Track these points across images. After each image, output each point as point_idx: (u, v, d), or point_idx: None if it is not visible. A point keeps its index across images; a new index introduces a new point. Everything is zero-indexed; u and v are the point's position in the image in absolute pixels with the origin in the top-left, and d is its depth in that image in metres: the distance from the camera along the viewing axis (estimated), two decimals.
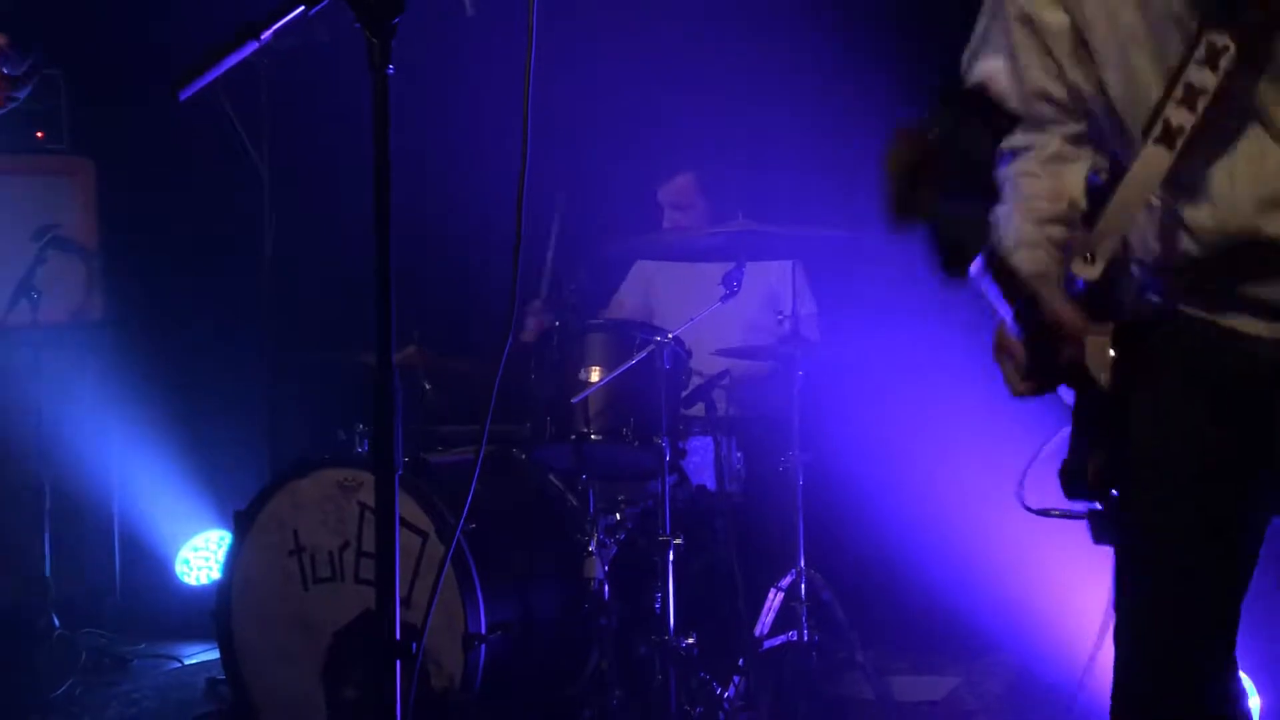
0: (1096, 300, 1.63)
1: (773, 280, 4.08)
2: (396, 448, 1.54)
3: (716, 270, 3.43)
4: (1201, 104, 1.49)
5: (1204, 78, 1.49)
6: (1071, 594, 3.36)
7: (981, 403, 3.36)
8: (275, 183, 4.21)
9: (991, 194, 1.32)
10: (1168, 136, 1.52)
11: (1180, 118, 1.51)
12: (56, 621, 4.22)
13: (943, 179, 1.26)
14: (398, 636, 1.57)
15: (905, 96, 4.37)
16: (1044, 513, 1.89)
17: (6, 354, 4.37)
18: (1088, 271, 1.58)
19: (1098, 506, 1.67)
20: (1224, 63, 1.48)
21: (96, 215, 4.67)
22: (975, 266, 1.36)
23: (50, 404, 4.37)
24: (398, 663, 1.54)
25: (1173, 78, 1.52)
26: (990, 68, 1.73)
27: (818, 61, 4.15)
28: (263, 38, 1.49)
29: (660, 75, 4.39)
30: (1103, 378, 1.62)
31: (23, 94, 3.02)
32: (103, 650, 4.35)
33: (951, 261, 1.32)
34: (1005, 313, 1.54)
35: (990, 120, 1.31)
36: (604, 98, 4.43)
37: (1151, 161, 1.54)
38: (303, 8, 1.51)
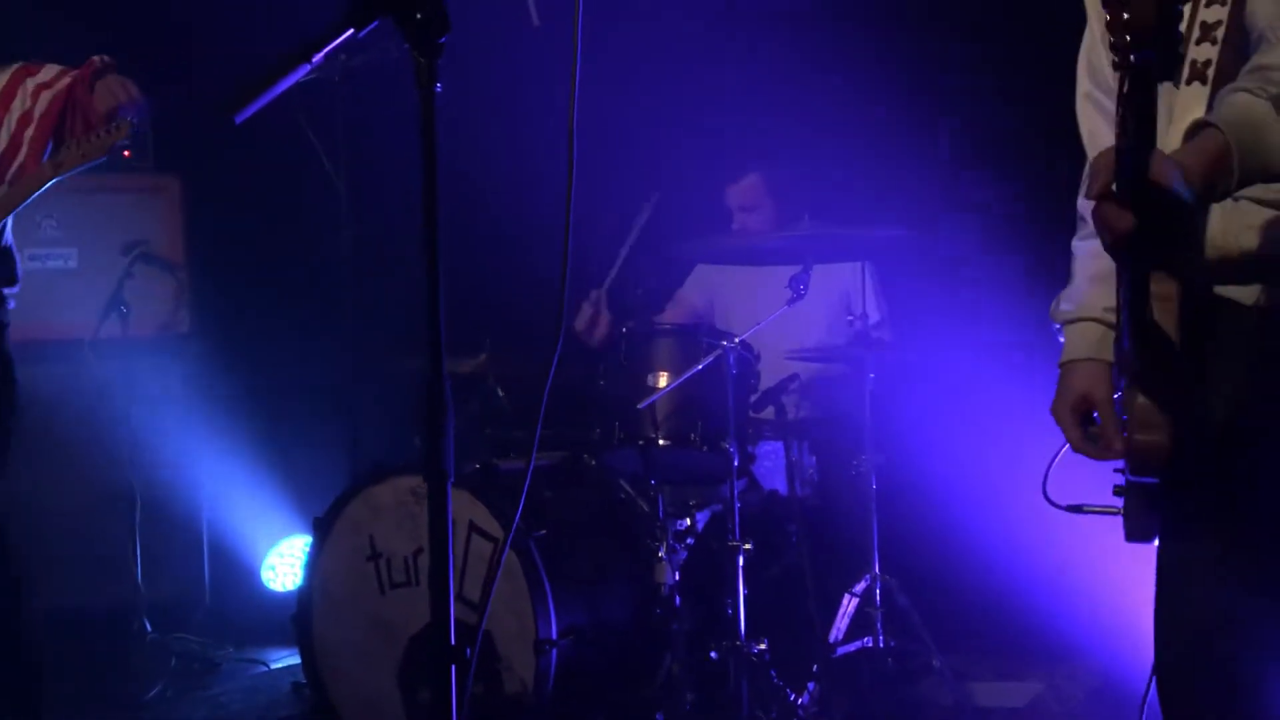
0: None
1: (843, 282, 4.04)
2: (449, 456, 1.56)
3: (784, 273, 3.42)
4: (1219, 34, 1.56)
5: (1215, 13, 1.58)
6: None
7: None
8: (351, 194, 4.30)
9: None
10: (1197, 73, 1.59)
11: (1204, 53, 1.59)
12: (148, 626, 4.36)
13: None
14: (453, 642, 1.59)
15: (971, 97, 4.32)
16: (1076, 509, 1.86)
17: (98, 366, 4.51)
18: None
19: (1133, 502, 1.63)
20: None
21: (182, 231, 4.79)
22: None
23: (140, 415, 4.52)
24: (453, 668, 1.56)
25: (1190, 19, 1.60)
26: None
27: (884, 60, 4.11)
28: (314, 60, 1.53)
29: (727, 75, 4.38)
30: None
31: (123, 144, 3.10)
32: (192, 654, 4.46)
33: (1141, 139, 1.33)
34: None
35: None
36: (671, 98, 4.44)
37: (1191, 101, 1.59)
38: (352, 30, 1.54)
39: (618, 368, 3.40)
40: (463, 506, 3.15)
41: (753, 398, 3.54)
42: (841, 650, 3.58)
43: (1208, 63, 1.60)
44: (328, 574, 3.41)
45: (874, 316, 3.86)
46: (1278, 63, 1.45)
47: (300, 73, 1.54)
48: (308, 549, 3.49)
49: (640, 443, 3.35)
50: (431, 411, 1.56)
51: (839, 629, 3.62)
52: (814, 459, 3.86)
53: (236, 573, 4.93)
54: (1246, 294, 1.63)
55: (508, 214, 4.48)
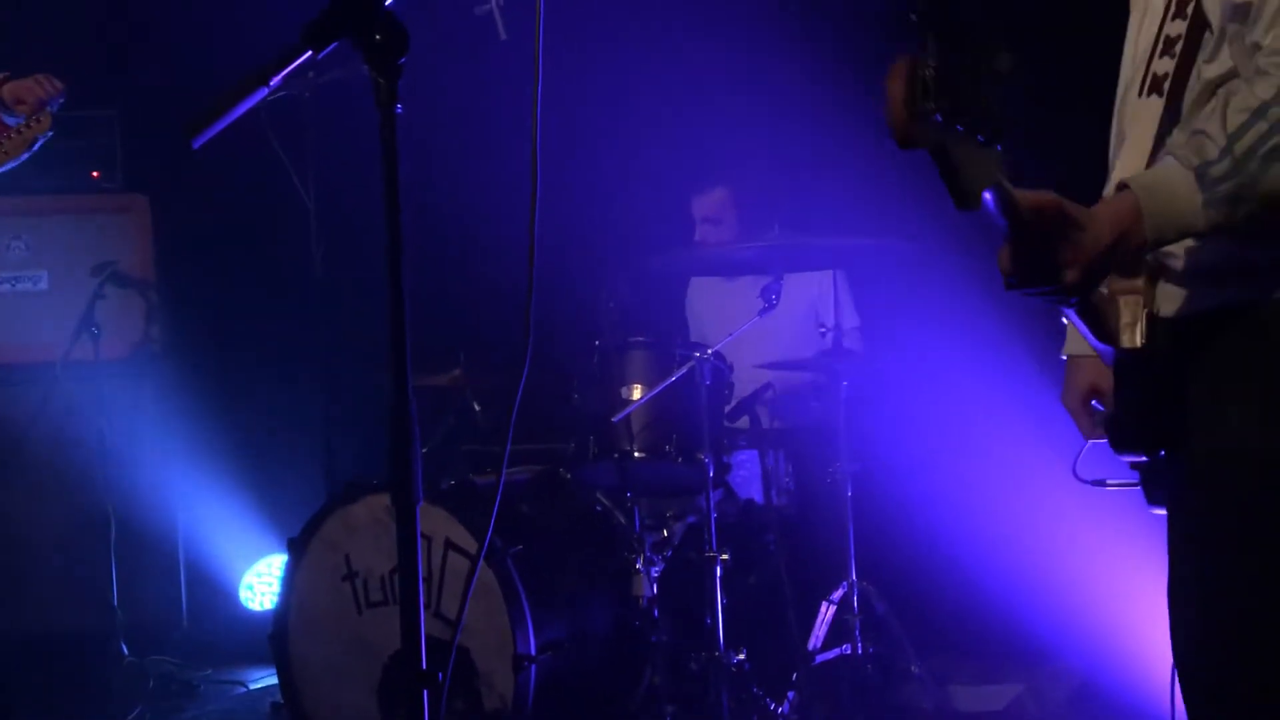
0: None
1: (814, 293, 4.06)
2: (416, 483, 1.55)
3: (755, 284, 3.42)
4: (1178, 49, 1.59)
5: (1177, 27, 1.61)
6: (1133, 597, 3.31)
7: (1030, 407, 3.32)
8: (321, 211, 4.29)
9: (995, 126, 1.31)
10: (1155, 86, 1.62)
11: (1164, 66, 1.62)
12: (125, 649, 4.33)
13: (943, 110, 1.26)
14: (425, 666, 1.58)
15: None
16: (1098, 483, 1.89)
17: (70, 388, 4.49)
18: None
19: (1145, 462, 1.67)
20: (1190, 9, 1.59)
21: (152, 250, 4.77)
22: (988, 201, 1.35)
23: (113, 436, 4.49)
24: (425, 693, 1.55)
25: (1156, 33, 1.64)
26: None
27: (851, 68, 4.13)
28: (271, 84, 1.52)
29: (693, 86, 4.39)
30: (1135, 335, 1.62)
31: (47, 135, 3.15)
32: (170, 676, 4.43)
33: (956, 195, 1.32)
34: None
35: (979, 48, 1.31)
36: (637, 110, 4.44)
37: (1146, 114, 1.62)
38: (310, 52, 1.54)
39: (592, 381, 3.40)
40: (439, 523, 3.14)
41: (727, 408, 3.55)
42: (820, 658, 3.58)
43: (1165, 75, 1.61)
44: (304, 594, 3.39)
45: (846, 324, 3.87)
46: (1214, 132, 1.46)
47: (258, 96, 1.53)
48: (283, 569, 3.47)
49: (616, 455, 3.35)
50: (397, 440, 1.54)
51: (818, 637, 3.63)
52: (790, 468, 3.87)
53: (213, 593, 4.91)
54: (1171, 302, 1.66)
55: (482, 227, 4.47)
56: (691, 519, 3.59)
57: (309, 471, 4.66)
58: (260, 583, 4.95)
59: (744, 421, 3.61)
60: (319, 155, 4.29)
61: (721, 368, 3.45)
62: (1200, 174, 1.45)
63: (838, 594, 3.64)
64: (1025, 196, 1.41)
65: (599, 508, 3.53)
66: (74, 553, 4.51)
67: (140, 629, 4.49)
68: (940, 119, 1.26)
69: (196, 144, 1.52)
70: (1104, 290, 1.60)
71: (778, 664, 3.46)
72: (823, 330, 3.72)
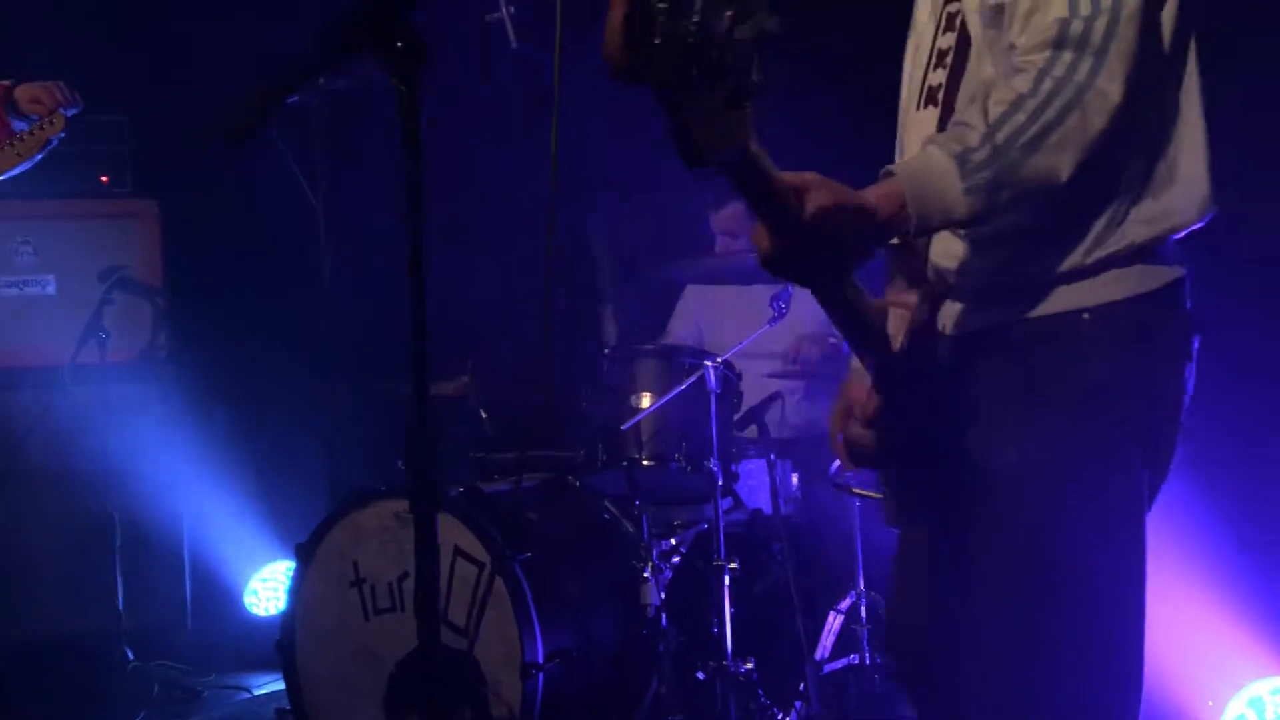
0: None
1: None
2: (436, 487, 1.55)
3: (765, 293, 3.43)
4: (950, 60, 1.65)
5: (947, 40, 1.67)
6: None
7: None
8: (329, 217, 4.30)
9: (739, 84, 1.16)
10: (931, 97, 1.68)
11: (938, 78, 1.67)
12: (130, 654, 4.32)
13: (671, 46, 1.10)
14: (442, 674, 1.58)
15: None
16: (844, 488, 1.92)
17: (77, 392, 4.49)
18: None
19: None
20: (958, 22, 1.66)
21: (161, 255, 4.77)
22: (729, 159, 1.24)
23: (120, 440, 4.48)
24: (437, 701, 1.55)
25: (930, 47, 1.71)
26: None
27: (859, 81, 4.13)
28: (297, 94, 1.53)
29: None
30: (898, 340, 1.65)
31: (59, 137, 3.17)
32: (174, 682, 4.42)
33: (682, 150, 1.18)
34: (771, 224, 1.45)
35: None
36: (650, 118, 4.44)
37: (925, 125, 1.67)
38: (333, 62, 1.54)
39: (601, 389, 3.41)
40: (448, 531, 3.14)
41: (736, 417, 3.55)
42: (828, 668, 3.58)
43: (939, 86, 1.66)
44: (311, 601, 3.39)
45: None
46: (975, 121, 1.48)
47: (287, 102, 1.54)
48: (290, 576, 3.47)
49: (624, 464, 3.35)
50: (415, 444, 1.54)
51: (825, 646, 3.62)
52: (797, 477, 3.87)
53: (218, 598, 4.90)
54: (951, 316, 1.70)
55: (490, 235, 4.48)
56: (699, 527, 3.59)
57: (315, 477, 4.67)
58: (265, 588, 4.94)
59: (752, 430, 3.60)
60: (328, 162, 4.31)
61: (730, 376, 3.46)
62: (961, 160, 1.47)
63: (845, 603, 3.64)
64: (784, 176, 1.37)
65: (607, 516, 3.53)
66: (79, 557, 4.50)
67: (145, 634, 4.49)
68: (667, 55, 1.10)
69: (232, 151, 1.52)
70: (872, 297, 1.61)
71: (785, 673, 3.46)
72: (833, 340, 3.72)
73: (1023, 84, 1.48)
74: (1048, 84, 1.47)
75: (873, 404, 1.65)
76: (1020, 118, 1.46)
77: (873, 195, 1.45)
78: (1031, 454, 1.59)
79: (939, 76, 1.68)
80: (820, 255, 1.41)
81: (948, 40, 1.67)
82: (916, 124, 1.72)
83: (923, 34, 1.76)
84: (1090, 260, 1.58)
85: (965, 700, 1.64)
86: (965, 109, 1.55)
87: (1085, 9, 1.49)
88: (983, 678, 1.62)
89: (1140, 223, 1.59)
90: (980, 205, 1.47)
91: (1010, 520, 1.60)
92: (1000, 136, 1.46)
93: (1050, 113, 1.46)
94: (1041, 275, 1.61)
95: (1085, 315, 1.59)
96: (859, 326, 1.57)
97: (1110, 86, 1.47)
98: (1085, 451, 1.59)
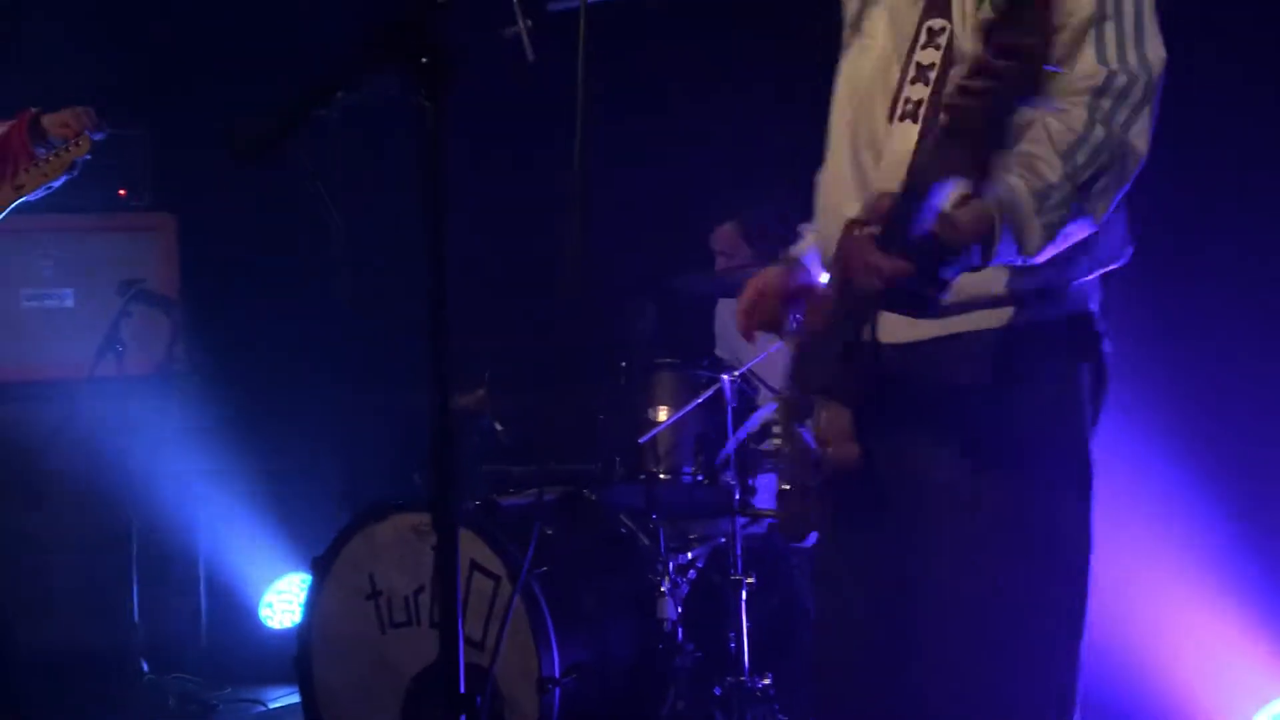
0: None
1: None
2: (456, 501, 1.55)
3: None
4: (932, 75, 1.66)
5: (929, 55, 1.67)
6: (1135, 613, 3.29)
7: None
8: (348, 230, 4.31)
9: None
10: (909, 112, 1.68)
11: (917, 93, 1.67)
12: (145, 666, 4.33)
13: None
14: (463, 689, 1.57)
15: None
16: (744, 509, 1.87)
17: (94, 405, 4.50)
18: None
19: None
20: (942, 40, 1.67)
21: (179, 268, 4.79)
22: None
23: (137, 453, 4.49)
24: (463, 717, 1.54)
25: (905, 61, 1.70)
26: None
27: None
28: (327, 107, 1.53)
29: (724, 107, 4.41)
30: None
31: (83, 159, 3.20)
32: (190, 695, 4.41)
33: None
34: None
35: None
36: (667, 132, 4.46)
37: (900, 139, 1.68)
38: (361, 77, 1.55)
39: (618, 403, 3.41)
40: (464, 544, 3.14)
41: (753, 430, 3.54)
42: None
43: (920, 102, 1.67)
44: (327, 614, 3.39)
45: None
46: (1047, 157, 1.51)
47: (312, 117, 1.55)
48: (307, 588, 3.47)
49: (641, 477, 3.35)
50: (438, 455, 1.54)
51: None
52: None
53: (234, 611, 4.90)
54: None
55: (506, 247, 4.48)
56: (716, 541, 3.58)
57: (331, 490, 4.67)
58: (280, 601, 4.94)
59: (769, 444, 3.59)
60: (347, 175, 4.31)
61: (747, 389, 3.45)
62: (1041, 196, 1.49)
63: None
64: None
65: (623, 529, 3.52)
66: (95, 569, 4.52)
67: (160, 646, 4.50)
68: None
69: (257, 165, 1.53)
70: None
71: (802, 688, 3.44)
72: None
73: (1078, 124, 1.52)
74: (1099, 131, 1.52)
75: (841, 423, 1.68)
76: (1081, 159, 1.51)
77: (965, 215, 1.46)
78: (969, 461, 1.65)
79: (919, 91, 1.69)
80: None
81: (929, 56, 1.68)
82: (894, 136, 1.72)
83: (882, 42, 1.77)
84: (1027, 286, 1.64)
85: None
86: (1026, 136, 1.53)
87: (1133, 63, 1.55)
88: (945, 684, 1.66)
89: (1076, 262, 1.65)
90: (1045, 242, 1.51)
91: (966, 523, 1.65)
92: (1081, 178, 1.50)
93: (1103, 158, 1.51)
94: (987, 293, 1.66)
95: (1009, 329, 1.65)
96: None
97: (1139, 142, 1.55)
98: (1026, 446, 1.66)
